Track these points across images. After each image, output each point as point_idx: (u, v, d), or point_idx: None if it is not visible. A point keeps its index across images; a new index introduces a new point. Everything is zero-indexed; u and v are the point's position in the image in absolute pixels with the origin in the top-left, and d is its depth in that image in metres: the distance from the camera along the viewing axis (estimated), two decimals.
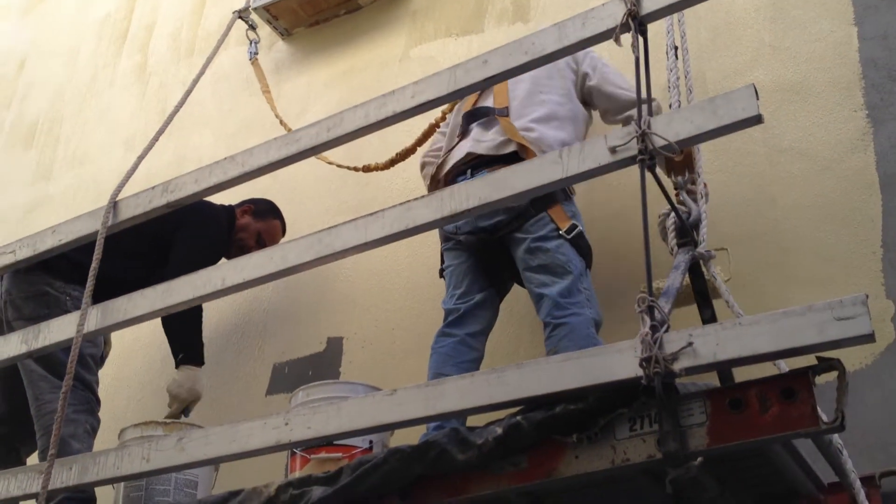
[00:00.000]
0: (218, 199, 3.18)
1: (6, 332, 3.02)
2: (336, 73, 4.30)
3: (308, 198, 3.94)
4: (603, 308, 2.77)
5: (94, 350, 3.22)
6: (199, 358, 3.34)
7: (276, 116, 3.79)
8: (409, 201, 2.33)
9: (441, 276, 3.03)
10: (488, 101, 3.04)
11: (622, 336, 1.96)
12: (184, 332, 3.34)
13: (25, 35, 6.00)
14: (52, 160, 5.21)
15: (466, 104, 3.10)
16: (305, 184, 3.99)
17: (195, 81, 3.07)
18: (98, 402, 3.18)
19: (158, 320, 3.22)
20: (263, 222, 3.68)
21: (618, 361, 1.87)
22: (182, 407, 3.26)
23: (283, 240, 3.65)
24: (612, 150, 2.08)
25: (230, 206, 3.71)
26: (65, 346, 2.65)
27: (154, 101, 5.01)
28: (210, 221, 3.51)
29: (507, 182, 2.24)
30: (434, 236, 3.40)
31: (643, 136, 2.02)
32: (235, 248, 3.61)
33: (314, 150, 2.57)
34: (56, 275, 3.17)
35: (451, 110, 3.18)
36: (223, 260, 3.28)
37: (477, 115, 3.02)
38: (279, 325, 3.87)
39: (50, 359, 3.01)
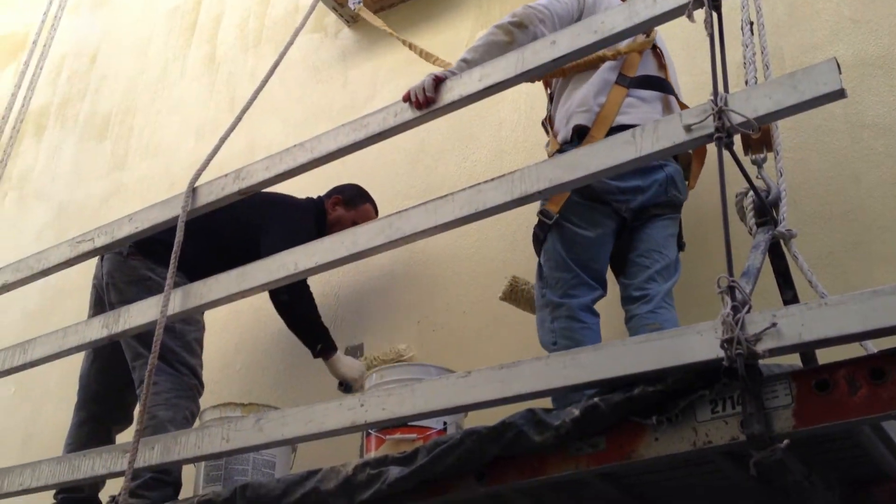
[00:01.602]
0: (301, 184, 3.17)
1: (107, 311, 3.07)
2: (402, 59, 4.29)
3: (377, 182, 3.94)
4: (681, 289, 2.73)
5: (198, 334, 3.27)
6: (333, 345, 3.39)
7: (427, 58, 3.69)
8: (479, 184, 2.32)
9: (540, 236, 2.79)
10: (654, 70, 2.89)
11: (700, 318, 1.93)
12: (305, 323, 3.38)
13: (97, 29, 6.12)
14: (126, 151, 5.31)
15: (630, 67, 2.85)
16: (374, 168, 4.00)
17: (273, 68, 3.09)
18: (202, 386, 3.22)
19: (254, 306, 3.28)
20: (355, 210, 3.65)
21: (698, 343, 1.84)
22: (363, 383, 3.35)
23: None
24: (688, 129, 2.04)
25: (319, 199, 3.71)
26: (144, 330, 2.71)
27: (223, 90, 5.07)
28: (302, 218, 3.52)
29: (579, 163, 2.22)
30: (502, 220, 3.38)
31: (720, 114, 1.97)
32: None
33: (381, 136, 2.58)
34: (157, 261, 3.23)
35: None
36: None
37: (652, 84, 2.85)
38: (350, 309, 3.89)
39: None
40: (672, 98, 2.85)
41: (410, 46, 3.85)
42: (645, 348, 1.90)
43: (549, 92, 3.02)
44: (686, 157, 2.86)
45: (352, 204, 3.67)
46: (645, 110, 2.76)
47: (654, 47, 2.90)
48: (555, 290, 2.67)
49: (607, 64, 2.80)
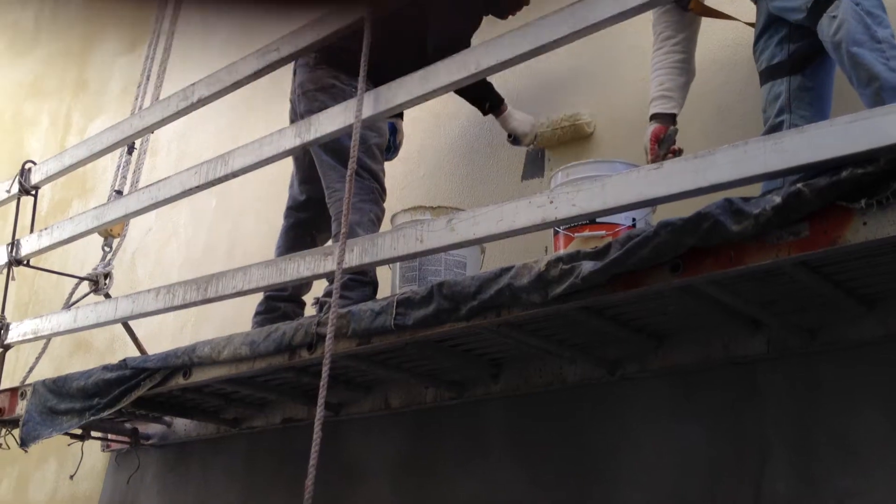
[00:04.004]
0: None
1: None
2: None
3: None
4: None
5: (379, 140, 3.34)
6: (500, 99, 3.50)
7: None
8: None
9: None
10: None
11: None
12: (471, 85, 3.33)
13: None
14: None
15: None
16: None
17: None
18: (384, 190, 3.32)
19: None
20: None
21: None
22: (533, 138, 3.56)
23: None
24: None
25: None
26: (337, 136, 2.78)
27: None
28: None
29: None
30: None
31: None
32: (507, 2, 3.53)
33: None
34: (340, 68, 3.29)
35: None
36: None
37: None
38: (529, 109, 3.84)
39: (338, 149, 3.17)
40: None
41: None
42: (854, 128, 1.79)
43: None
44: None
45: None
46: None
47: None
48: (886, 29, 2.35)
49: None
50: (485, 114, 3.49)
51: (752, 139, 1.95)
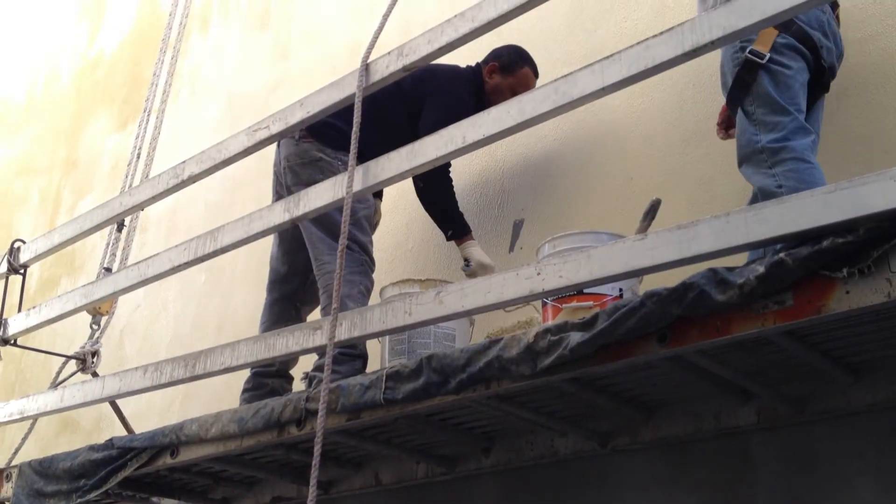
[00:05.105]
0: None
1: (286, 196, 3.20)
2: None
3: (534, 51, 3.86)
4: (867, 139, 2.58)
5: (367, 211, 3.40)
6: (466, 229, 3.46)
7: None
8: (646, 39, 2.22)
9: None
10: None
11: (889, 165, 1.82)
12: (438, 209, 3.48)
13: None
14: (288, 39, 5.41)
15: None
16: (530, 36, 3.91)
17: None
18: (372, 262, 3.35)
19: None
20: (513, 76, 3.62)
21: (892, 189, 1.74)
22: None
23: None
24: None
25: (477, 66, 3.68)
26: (327, 210, 2.81)
27: None
28: (458, 88, 3.53)
29: (754, 8, 2.09)
30: (668, 77, 3.25)
31: None
32: None
33: None
34: (327, 143, 3.37)
35: None
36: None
37: None
38: (516, 181, 3.89)
39: (327, 221, 3.21)
40: None
41: None
42: (833, 198, 1.81)
43: None
44: None
45: (509, 70, 3.63)
46: None
47: None
48: (773, 133, 2.54)
49: None
50: (447, 239, 3.49)
51: (734, 210, 1.98)
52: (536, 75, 3.65)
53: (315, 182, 2.94)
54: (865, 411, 2.43)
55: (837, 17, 2.83)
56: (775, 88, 2.57)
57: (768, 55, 2.57)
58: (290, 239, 3.49)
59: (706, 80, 3.32)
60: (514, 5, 2.51)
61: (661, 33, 2.20)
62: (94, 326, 4.08)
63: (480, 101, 3.53)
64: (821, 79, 2.72)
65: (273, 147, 3.47)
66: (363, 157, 2.74)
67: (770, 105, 2.57)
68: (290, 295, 3.56)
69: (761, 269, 1.92)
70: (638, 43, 2.23)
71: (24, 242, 4.05)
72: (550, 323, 2.48)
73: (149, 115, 4.54)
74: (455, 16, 2.64)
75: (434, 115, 3.35)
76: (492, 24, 2.58)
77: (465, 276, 3.38)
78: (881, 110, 2.91)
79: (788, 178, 2.47)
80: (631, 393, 2.68)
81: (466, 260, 3.42)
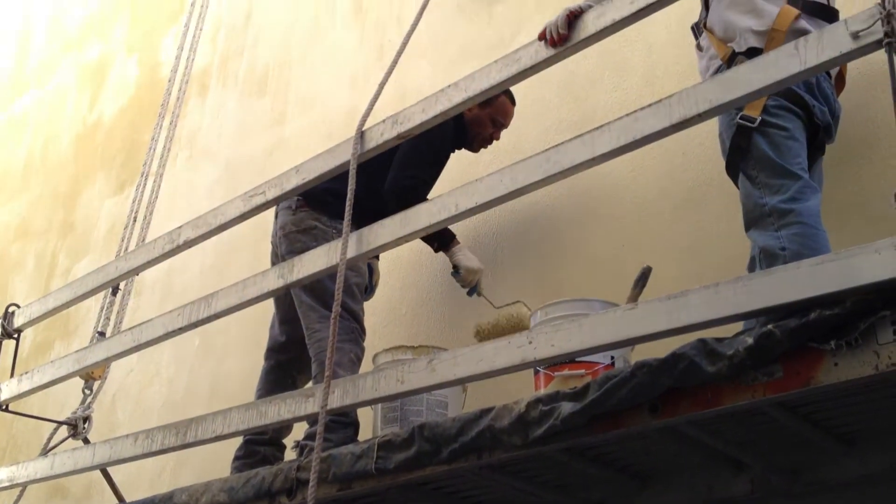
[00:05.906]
0: None
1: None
2: None
3: (527, 119, 3.92)
4: (853, 207, 2.60)
5: (359, 279, 3.40)
6: (449, 235, 3.54)
7: None
8: (635, 112, 2.27)
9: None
10: None
11: (875, 237, 1.84)
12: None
13: None
14: (285, 104, 5.47)
15: None
16: (523, 104, 3.97)
17: (421, 11, 3.13)
18: (363, 330, 3.35)
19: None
20: (491, 106, 3.65)
21: (878, 262, 1.76)
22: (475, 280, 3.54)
23: (510, 160, 3.62)
24: (855, 36, 1.94)
25: None
26: (320, 277, 2.81)
27: (372, 37, 5.12)
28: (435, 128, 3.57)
29: (740, 81, 2.14)
30: (659, 147, 3.29)
31: (889, 18, 1.86)
32: (477, 142, 3.73)
33: (534, 69, 2.57)
34: (322, 210, 3.40)
35: None
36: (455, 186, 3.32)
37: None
38: (509, 246, 3.91)
39: (318, 289, 3.22)
40: None
41: None
42: (820, 270, 1.83)
43: None
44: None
45: (486, 102, 3.65)
46: None
47: None
48: (779, 194, 2.49)
49: None
50: (435, 251, 3.58)
51: (724, 281, 1.99)
52: (513, 102, 3.74)
53: (309, 250, 2.96)
54: (858, 482, 2.41)
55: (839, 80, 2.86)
56: (774, 150, 2.55)
57: (759, 118, 2.56)
58: (288, 307, 3.49)
59: (696, 149, 3.36)
60: (505, 76, 2.57)
61: (650, 105, 2.25)
62: (87, 391, 4.05)
63: (461, 132, 3.63)
64: (815, 139, 2.70)
65: (271, 213, 3.51)
66: (359, 225, 2.76)
67: (771, 168, 2.54)
68: (287, 363, 3.56)
69: (750, 340, 1.93)
70: (627, 115, 2.28)
71: (18, 307, 4.06)
72: (542, 392, 2.48)
73: (146, 178, 4.57)
74: (449, 86, 2.70)
75: (410, 142, 3.38)
76: (484, 93, 2.65)
77: (455, 282, 3.56)
78: (868, 178, 2.94)
79: (793, 241, 2.43)
80: (624, 462, 2.67)
81: (455, 267, 3.53)
